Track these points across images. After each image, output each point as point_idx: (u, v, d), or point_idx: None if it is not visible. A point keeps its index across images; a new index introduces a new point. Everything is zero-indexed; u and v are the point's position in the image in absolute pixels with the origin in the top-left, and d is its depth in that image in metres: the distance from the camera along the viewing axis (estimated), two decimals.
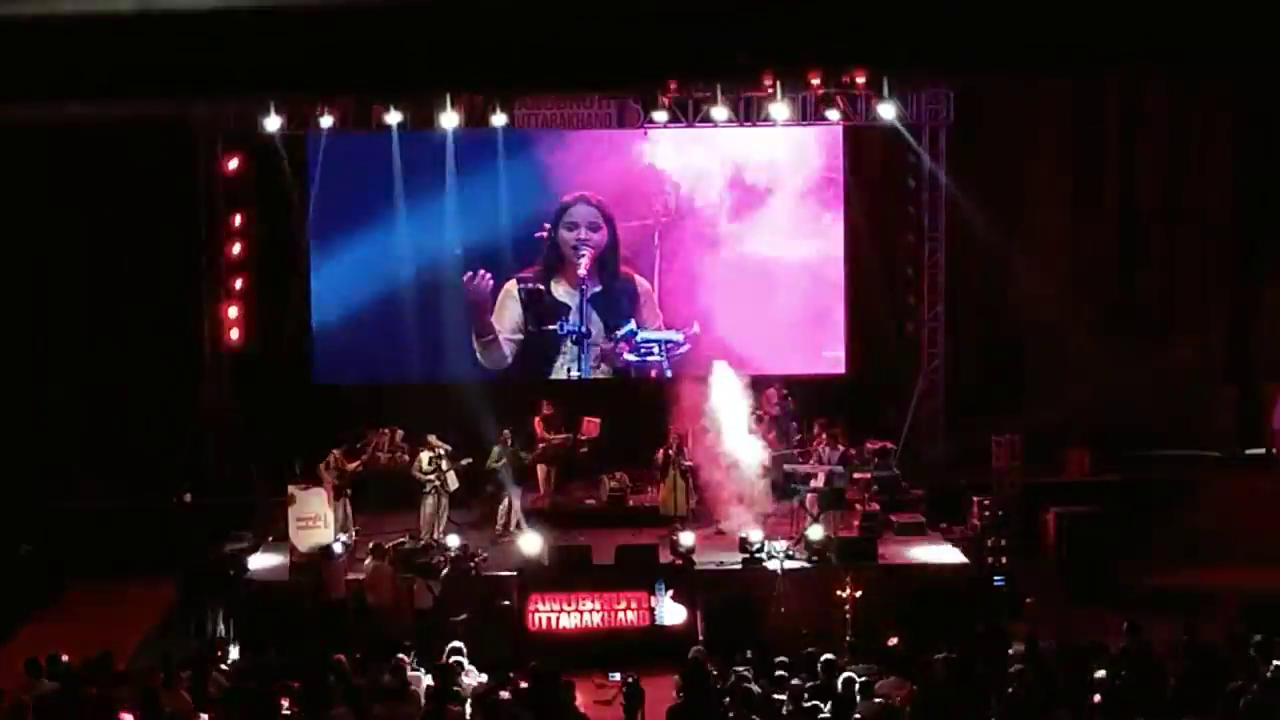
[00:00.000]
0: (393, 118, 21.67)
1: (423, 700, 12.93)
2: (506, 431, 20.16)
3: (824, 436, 20.31)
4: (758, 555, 18.19)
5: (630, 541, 18.74)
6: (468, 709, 12.87)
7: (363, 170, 22.54)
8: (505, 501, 19.89)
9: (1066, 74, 21.52)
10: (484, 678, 14.04)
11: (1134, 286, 23.73)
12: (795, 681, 13.00)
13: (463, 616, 16.94)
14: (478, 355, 22.77)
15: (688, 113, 21.88)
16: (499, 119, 21.68)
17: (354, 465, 19.69)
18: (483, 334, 22.77)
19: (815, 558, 18.27)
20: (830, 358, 23.07)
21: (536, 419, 21.02)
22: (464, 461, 19.89)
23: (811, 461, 20.08)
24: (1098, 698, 12.48)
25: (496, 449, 19.92)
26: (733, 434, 19.91)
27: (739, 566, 18.26)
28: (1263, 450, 22.90)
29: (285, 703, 12.85)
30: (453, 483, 19.48)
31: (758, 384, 21.17)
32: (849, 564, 17.83)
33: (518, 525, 19.69)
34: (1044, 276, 23.35)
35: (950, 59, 18.57)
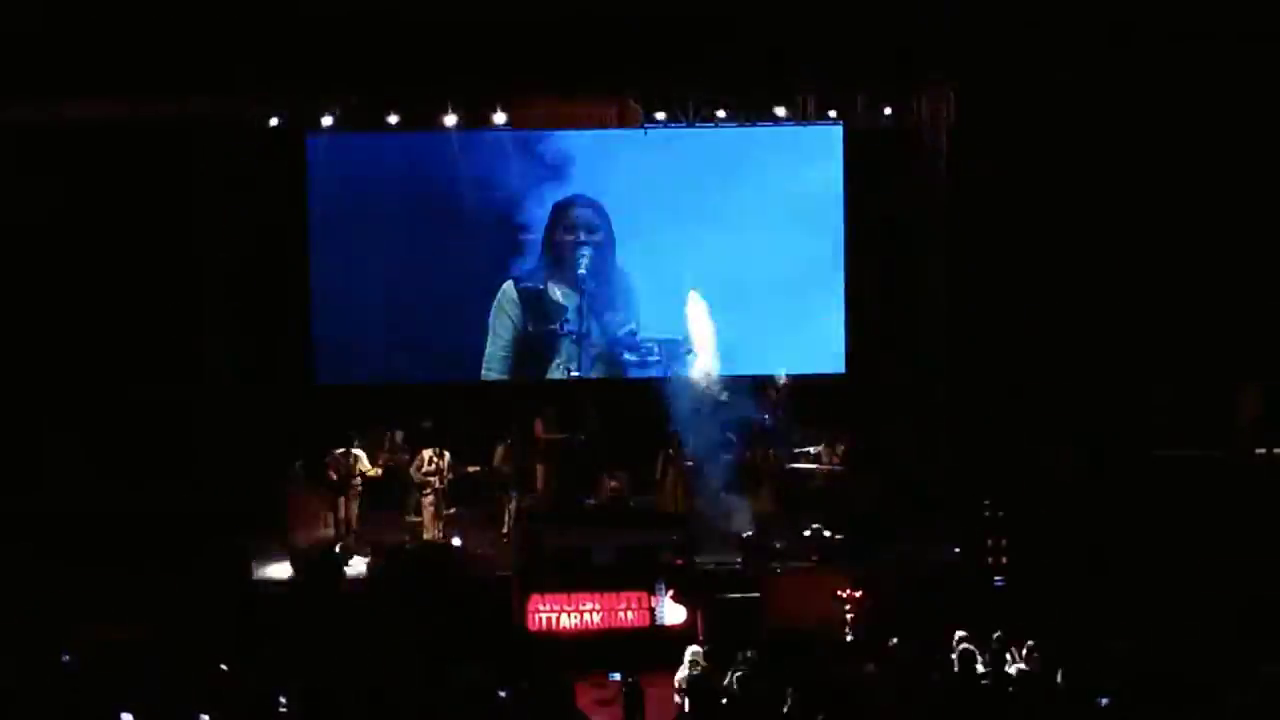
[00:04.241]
0: (393, 117, 21.66)
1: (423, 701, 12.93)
2: (509, 432, 20.18)
3: (823, 436, 20.33)
4: (759, 555, 18.20)
5: (630, 541, 18.74)
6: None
7: (363, 170, 22.55)
8: (509, 502, 19.90)
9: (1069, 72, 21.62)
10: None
11: (1136, 285, 23.71)
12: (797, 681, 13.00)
13: (450, 617, 16.95)
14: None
15: (688, 112, 21.87)
16: (499, 118, 21.69)
17: (372, 469, 19.72)
18: None
19: (815, 558, 18.28)
20: (830, 358, 23.08)
21: (537, 419, 21.03)
22: (470, 469, 19.94)
23: (811, 461, 20.10)
24: (1098, 698, 12.49)
25: (500, 449, 19.95)
26: (731, 435, 19.99)
27: (739, 566, 18.26)
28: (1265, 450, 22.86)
29: (285, 703, 12.85)
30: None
31: (757, 384, 21.18)
32: (849, 564, 17.83)
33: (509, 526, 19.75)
34: (1045, 276, 23.36)
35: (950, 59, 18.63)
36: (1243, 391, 22.78)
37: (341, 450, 19.52)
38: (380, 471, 20.00)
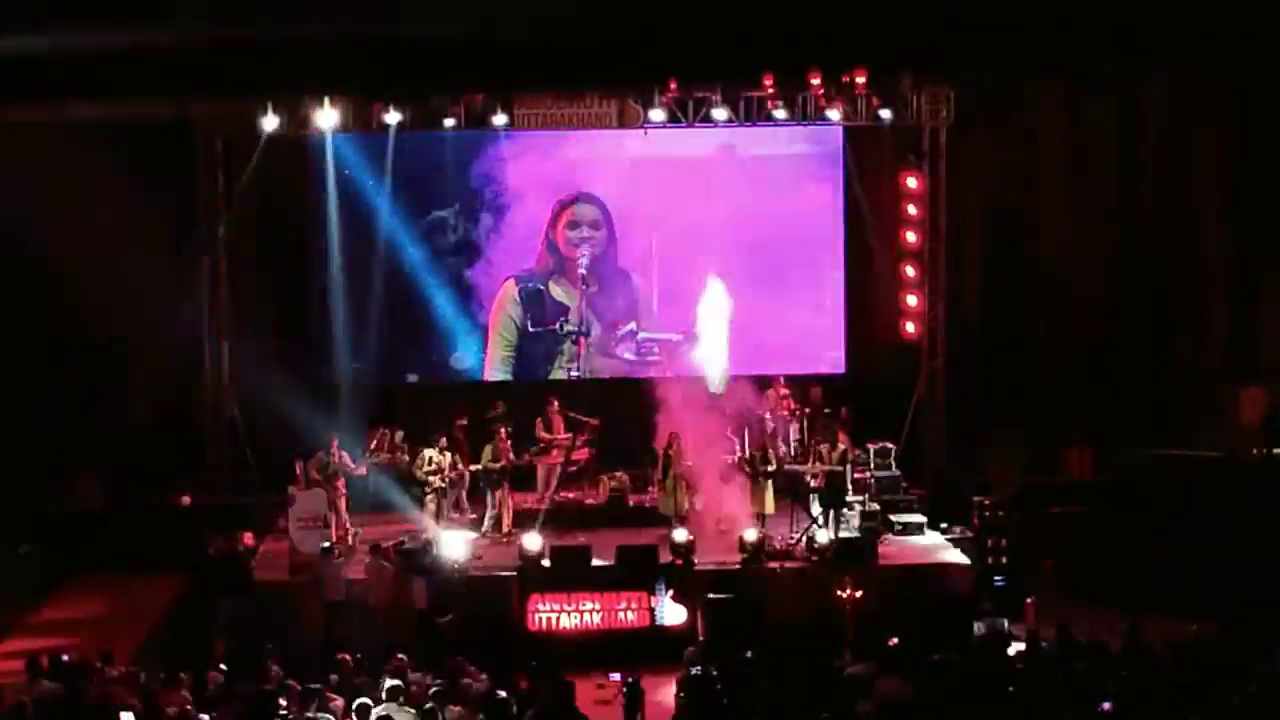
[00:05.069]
0: (393, 118, 21.67)
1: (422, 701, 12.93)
2: (501, 431, 20.13)
3: (825, 436, 20.33)
4: (759, 555, 18.18)
5: (630, 541, 18.73)
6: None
7: (363, 170, 22.54)
8: (500, 501, 19.87)
9: (1066, 74, 21.59)
10: (483, 677, 14.04)
11: (1134, 286, 23.72)
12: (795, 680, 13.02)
13: (448, 618, 16.92)
14: None
15: (688, 113, 21.89)
16: (499, 119, 21.70)
17: (358, 467, 19.73)
18: None
19: (815, 558, 18.28)
20: (830, 358, 23.07)
21: (538, 419, 21.02)
22: (473, 468, 19.92)
23: (811, 461, 20.10)
24: (1098, 698, 12.49)
25: (489, 448, 19.89)
26: (731, 435, 19.98)
27: (739, 567, 18.25)
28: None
29: (285, 703, 12.85)
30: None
31: (758, 384, 21.18)
32: (849, 564, 17.83)
33: (512, 525, 19.70)
34: (1044, 276, 23.37)
35: (950, 59, 18.62)
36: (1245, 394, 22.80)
37: (323, 450, 19.47)
38: (365, 470, 19.98)
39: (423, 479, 19.43)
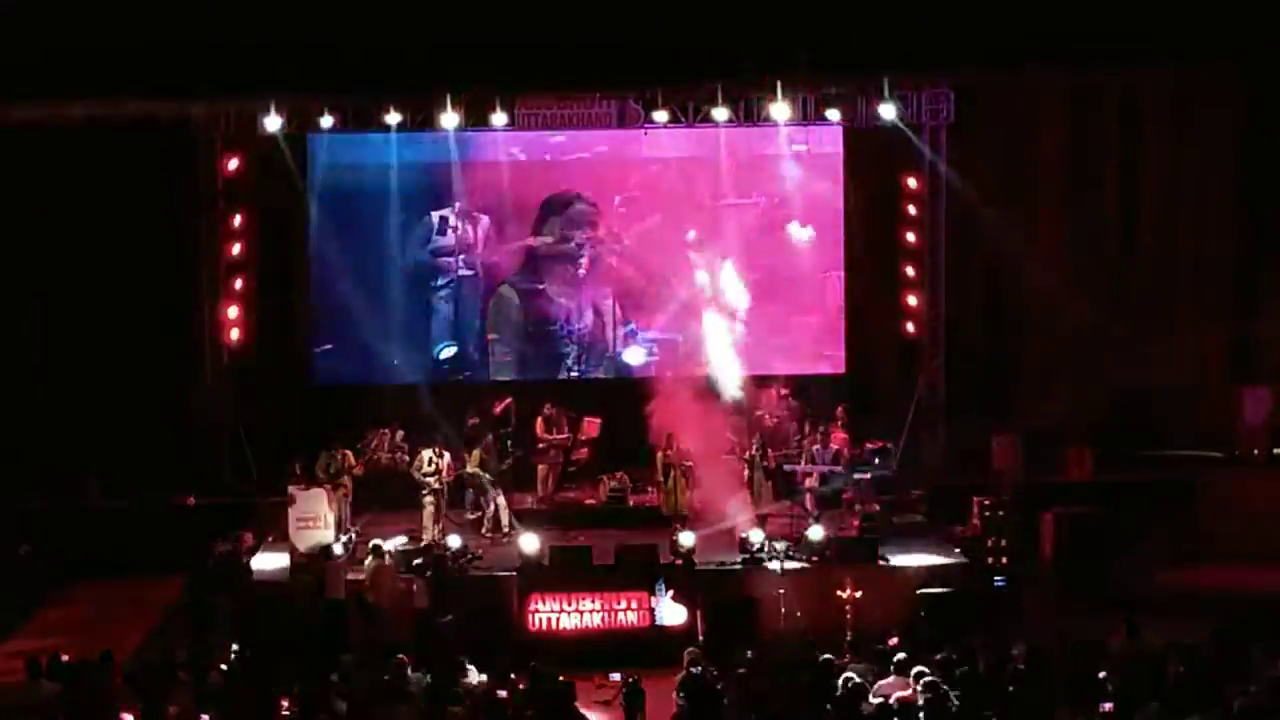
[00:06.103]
0: (393, 118, 21.66)
1: (421, 701, 12.94)
2: (489, 435, 20.10)
3: (816, 435, 20.34)
4: (759, 555, 18.19)
5: (630, 541, 18.72)
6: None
7: (363, 170, 22.54)
8: (492, 504, 19.84)
9: (1066, 74, 21.59)
10: (483, 677, 14.04)
11: (1134, 285, 23.72)
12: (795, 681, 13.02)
13: (448, 618, 16.92)
14: None
15: (688, 113, 21.88)
16: (499, 118, 21.69)
17: (358, 466, 19.74)
18: None
19: (815, 558, 18.27)
20: (830, 358, 23.06)
21: (538, 419, 21.02)
22: (469, 470, 19.91)
23: (810, 461, 20.09)
24: (1098, 698, 12.49)
25: (477, 452, 19.86)
26: (731, 435, 19.97)
27: (739, 566, 18.25)
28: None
29: (285, 703, 12.85)
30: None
31: (758, 384, 21.17)
32: (849, 564, 17.83)
33: (510, 525, 19.68)
34: (1044, 275, 23.35)
35: (950, 59, 18.62)
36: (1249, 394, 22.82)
37: (326, 451, 19.47)
38: (360, 469, 19.98)
39: (421, 480, 19.42)
